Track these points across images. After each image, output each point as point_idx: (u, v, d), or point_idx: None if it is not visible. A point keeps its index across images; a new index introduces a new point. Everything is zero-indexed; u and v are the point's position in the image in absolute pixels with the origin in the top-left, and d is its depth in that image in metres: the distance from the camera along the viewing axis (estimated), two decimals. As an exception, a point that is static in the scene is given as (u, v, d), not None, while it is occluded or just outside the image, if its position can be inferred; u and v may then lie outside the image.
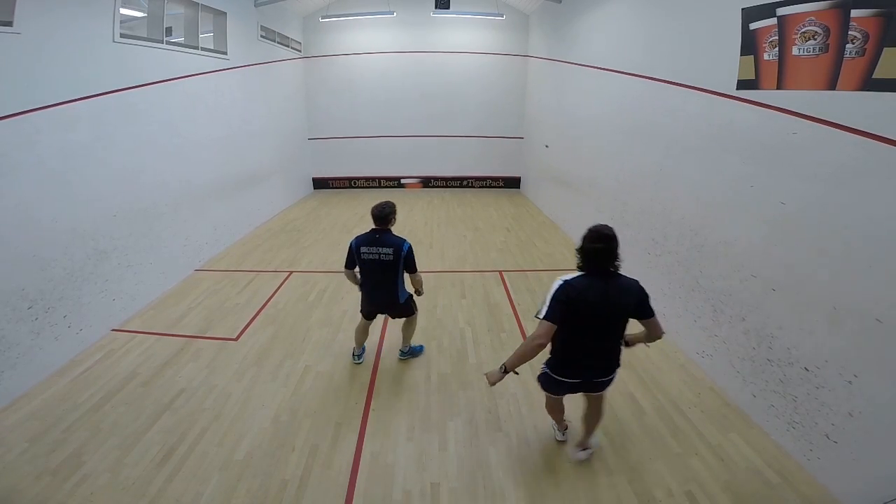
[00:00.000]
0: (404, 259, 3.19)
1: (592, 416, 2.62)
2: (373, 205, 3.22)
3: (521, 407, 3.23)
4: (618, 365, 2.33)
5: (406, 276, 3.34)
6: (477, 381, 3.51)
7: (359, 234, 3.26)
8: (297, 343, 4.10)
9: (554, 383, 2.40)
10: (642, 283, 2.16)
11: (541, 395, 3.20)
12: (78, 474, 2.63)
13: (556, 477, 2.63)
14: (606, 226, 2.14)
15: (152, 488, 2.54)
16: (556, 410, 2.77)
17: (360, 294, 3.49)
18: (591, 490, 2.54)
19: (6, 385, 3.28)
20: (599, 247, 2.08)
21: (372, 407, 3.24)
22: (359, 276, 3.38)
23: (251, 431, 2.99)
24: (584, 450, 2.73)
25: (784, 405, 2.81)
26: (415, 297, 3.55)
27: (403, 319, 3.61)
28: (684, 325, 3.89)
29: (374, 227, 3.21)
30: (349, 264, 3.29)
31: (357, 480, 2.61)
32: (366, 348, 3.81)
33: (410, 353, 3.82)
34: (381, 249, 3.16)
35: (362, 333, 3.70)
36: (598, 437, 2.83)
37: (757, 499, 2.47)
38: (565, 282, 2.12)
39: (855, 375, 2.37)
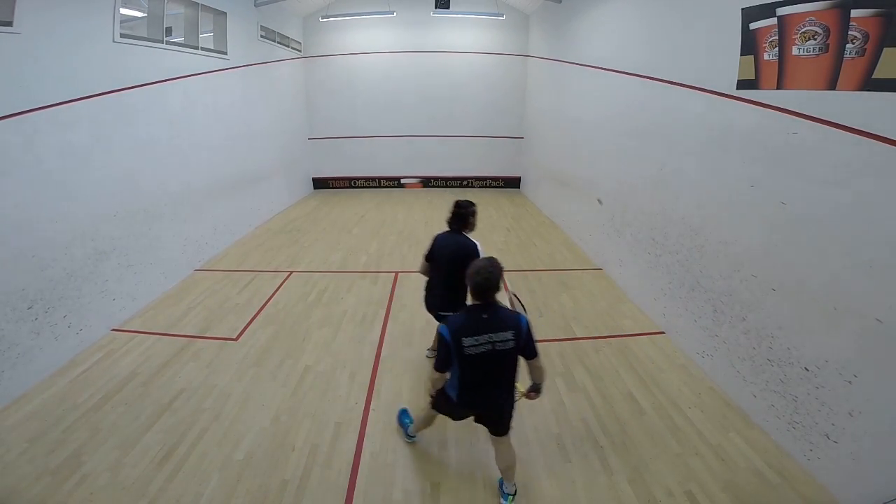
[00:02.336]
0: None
1: None
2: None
3: (521, 407, 3.21)
4: None
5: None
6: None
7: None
8: (297, 343, 4.10)
9: None
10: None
11: (541, 397, 3.22)
12: (78, 474, 2.63)
13: (555, 477, 2.64)
14: None
15: (152, 488, 2.54)
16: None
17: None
18: (591, 490, 2.54)
19: (6, 385, 3.28)
20: None
21: (372, 407, 3.24)
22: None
23: (251, 431, 2.99)
24: None
25: (784, 405, 2.81)
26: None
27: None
28: (684, 324, 3.89)
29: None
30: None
31: (357, 480, 2.61)
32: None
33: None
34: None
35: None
36: None
37: (757, 499, 2.47)
38: None
39: (855, 375, 2.37)
